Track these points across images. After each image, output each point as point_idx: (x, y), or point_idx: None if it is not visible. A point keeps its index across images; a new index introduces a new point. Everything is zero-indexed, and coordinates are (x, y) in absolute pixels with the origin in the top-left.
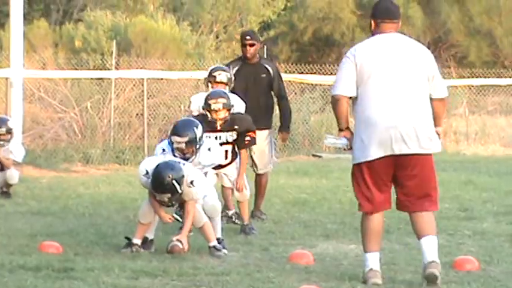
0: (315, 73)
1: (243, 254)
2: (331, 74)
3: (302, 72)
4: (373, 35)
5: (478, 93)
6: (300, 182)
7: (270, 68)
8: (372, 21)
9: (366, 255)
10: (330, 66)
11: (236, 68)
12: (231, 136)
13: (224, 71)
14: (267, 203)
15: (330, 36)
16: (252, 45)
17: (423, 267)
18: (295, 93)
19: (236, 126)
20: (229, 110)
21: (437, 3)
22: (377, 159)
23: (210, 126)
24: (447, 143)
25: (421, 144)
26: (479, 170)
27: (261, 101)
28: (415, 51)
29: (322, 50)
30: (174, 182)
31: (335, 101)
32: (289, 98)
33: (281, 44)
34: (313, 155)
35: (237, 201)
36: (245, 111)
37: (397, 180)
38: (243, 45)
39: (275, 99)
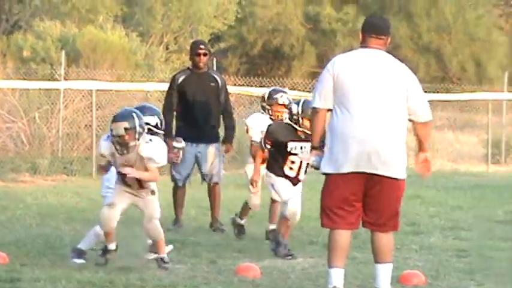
0: (264, 86)
1: (191, 267)
2: (281, 86)
3: (251, 85)
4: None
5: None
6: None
7: (218, 78)
8: (361, 34)
9: (329, 270)
10: (279, 79)
11: (183, 78)
12: None
13: (284, 92)
14: None
15: (280, 48)
16: (205, 54)
17: None
18: (244, 106)
19: None
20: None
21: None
22: (346, 173)
23: (296, 136)
24: None
25: (388, 167)
26: (426, 185)
27: (210, 110)
28: (395, 71)
29: (272, 63)
30: (134, 114)
31: (313, 113)
32: (238, 111)
33: (231, 56)
34: None
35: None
36: (192, 121)
37: (365, 199)
38: (196, 55)
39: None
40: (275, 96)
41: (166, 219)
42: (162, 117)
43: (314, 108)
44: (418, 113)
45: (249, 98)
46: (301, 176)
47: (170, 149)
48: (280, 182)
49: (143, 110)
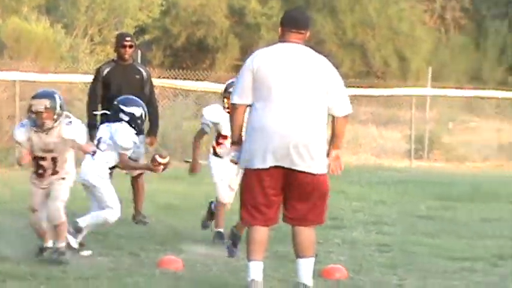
0: (188, 79)
1: (113, 259)
2: (205, 80)
3: (176, 78)
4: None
5: (351, 103)
6: (172, 188)
7: (143, 71)
8: (280, 29)
9: (248, 263)
10: (203, 72)
11: (108, 69)
12: None
13: None
14: None
15: (203, 40)
16: (131, 46)
17: (294, 285)
18: (168, 99)
19: None
20: None
21: (310, 14)
22: (266, 169)
23: None
24: None
25: (307, 163)
26: (350, 180)
27: None
28: (315, 65)
29: (196, 56)
30: (57, 95)
31: (233, 109)
32: (162, 103)
33: (155, 49)
34: (185, 161)
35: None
36: None
37: (284, 194)
38: (122, 46)
39: None
40: (229, 89)
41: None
42: (146, 109)
43: (233, 104)
44: (338, 107)
45: (173, 91)
46: None
47: (93, 140)
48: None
49: (127, 101)
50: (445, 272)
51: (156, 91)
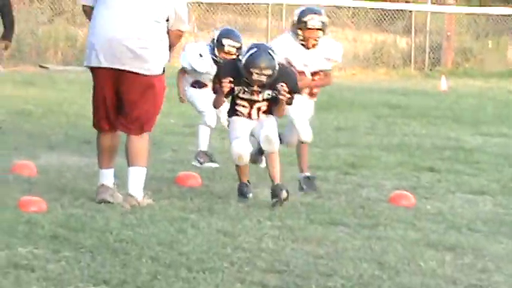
0: None
1: None
2: None
3: None
4: None
5: (207, 11)
6: (26, 93)
7: None
8: None
9: (100, 171)
10: None
11: None
12: None
13: (316, 13)
14: None
15: None
16: None
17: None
18: (24, 4)
19: None
20: None
21: None
22: (98, 68)
23: None
24: (175, 59)
25: (137, 64)
26: None
27: None
28: None
29: None
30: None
31: (84, 12)
32: (18, 8)
33: None
34: (40, 66)
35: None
36: None
37: (119, 98)
38: None
39: None
40: (304, 19)
41: None
42: None
43: (82, 7)
44: (177, 21)
45: None
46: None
47: None
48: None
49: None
50: (296, 179)
51: None
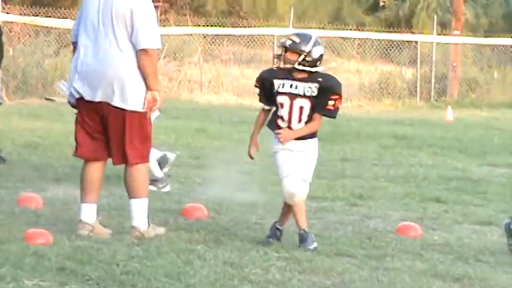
0: (50, 16)
1: None
2: (67, 17)
3: (37, 15)
4: None
5: (213, 43)
6: (32, 125)
7: None
8: None
9: (80, 205)
10: (65, 9)
11: None
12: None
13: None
14: None
15: None
16: None
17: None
18: (30, 36)
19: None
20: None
21: None
22: (79, 99)
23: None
24: (181, 91)
25: (109, 96)
26: (211, 119)
27: None
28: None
29: None
30: None
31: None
32: (23, 41)
33: None
34: (46, 99)
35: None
36: None
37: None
38: None
39: None
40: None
41: None
42: None
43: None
44: (138, 39)
45: (34, 28)
46: (301, 125)
47: None
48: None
49: None
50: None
51: (18, 28)
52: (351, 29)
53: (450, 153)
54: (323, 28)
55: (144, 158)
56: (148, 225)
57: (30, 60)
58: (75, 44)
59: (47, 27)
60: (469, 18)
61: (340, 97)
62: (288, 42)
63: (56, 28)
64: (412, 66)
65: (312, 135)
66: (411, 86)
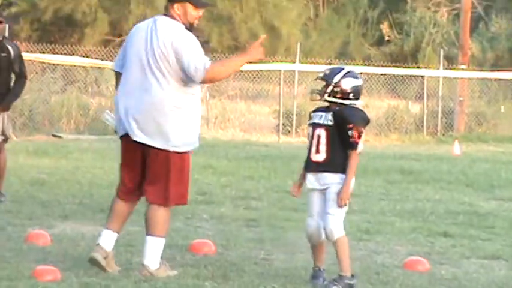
0: (57, 53)
1: None
2: (73, 54)
3: (43, 52)
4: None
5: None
6: (39, 162)
7: (11, 48)
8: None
9: (103, 230)
10: (71, 46)
11: None
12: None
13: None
14: (5, 182)
15: (72, 15)
16: (0, 22)
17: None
18: (36, 73)
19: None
20: None
21: None
22: (123, 136)
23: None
24: None
25: (150, 137)
26: (218, 155)
27: (1, 80)
28: (164, 33)
29: (64, 30)
30: None
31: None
32: (30, 78)
33: (22, 22)
34: (53, 135)
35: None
36: None
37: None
38: None
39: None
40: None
41: None
42: None
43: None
44: (195, 65)
45: (41, 65)
46: (320, 157)
47: None
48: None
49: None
50: None
51: None
52: (357, 64)
53: (457, 188)
54: (330, 63)
55: (165, 200)
56: (160, 265)
57: (36, 97)
58: (117, 74)
59: (53, 64)
60: (475, 52)
61: (356, 127)
62: (321, 74)
63: (62, 65)
64: (418, 100)
65: (338, 170)
66: (418, 120)
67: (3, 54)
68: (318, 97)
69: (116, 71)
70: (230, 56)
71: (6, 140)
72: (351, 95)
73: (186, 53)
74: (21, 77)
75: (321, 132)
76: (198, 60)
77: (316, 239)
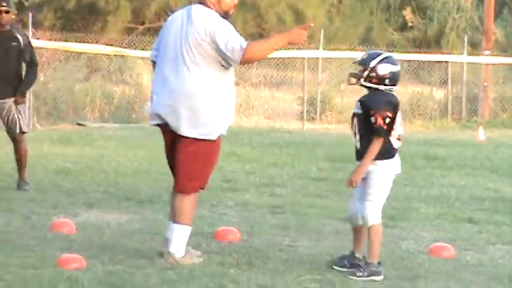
0: (80, 41)
1: (5, 222)
2: (97, 42)
3: (67, 40)
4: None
5: (243, 66)
6: (64, 151)
7: (20, 38)
8: None
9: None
10: (95, 34)
11: None
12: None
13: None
14: (30, 171)
15: (94, 3)
16: (7, 12)
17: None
18: (60, 61)
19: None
20: None
21: None
22: (159, 125)
23: None
24: None
25: (178, 124)
26: (242, 142)
27: (12, 69)
28: (199, 23)
29: (87, 18)
30: None
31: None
32: (54, 66)
33: (46, 10)
34: (78, 124)
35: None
36: None
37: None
38: None
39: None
40: None
41: None
42: None
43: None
44: (232, 46)
45: (64, 53)
46: (358, 145)
47: None
48: None
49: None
50: (337, 232)
51: (48, 54)
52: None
53: (482, 173)
54: (354, 49)
55: (188, 187)
56: (186, 252)
57: (60, 86)
58: (154, 64)
59: (77, 53)
60: (499, 37)
61: (378, 113)
62: (358, 58)
63: (86, 53)
64: (443, 86)
65: (380, 157)
66: (442, 106)
67: (14, 44)
68: (354, 81)
69: (152, 61)
70: None
71: (23, 132)
72: (386, 81)
73: (220, 35)
74: (33, 66)
75: (356, 121)
76: (234, 40)
77: (354, 223)
